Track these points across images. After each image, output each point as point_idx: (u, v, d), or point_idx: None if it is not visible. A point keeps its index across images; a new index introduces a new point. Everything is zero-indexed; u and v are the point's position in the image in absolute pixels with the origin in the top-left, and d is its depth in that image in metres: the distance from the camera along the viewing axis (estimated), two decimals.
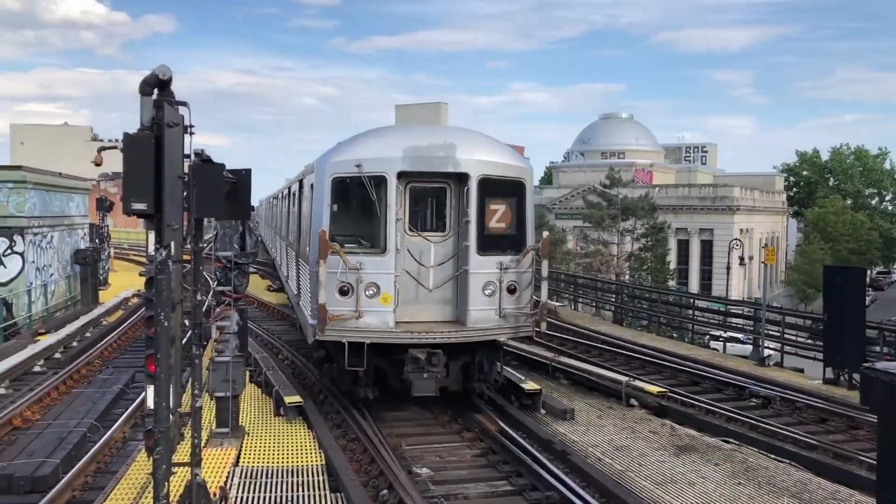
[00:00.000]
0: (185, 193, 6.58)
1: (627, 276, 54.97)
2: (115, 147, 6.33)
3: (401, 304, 12.13)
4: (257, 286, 31.54)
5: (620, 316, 29.30)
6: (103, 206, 36.42)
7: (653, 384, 14.82)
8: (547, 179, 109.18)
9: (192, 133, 6.51)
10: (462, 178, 12.33)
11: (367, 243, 12.24)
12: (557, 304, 28.79)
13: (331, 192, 12.05)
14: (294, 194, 17.76)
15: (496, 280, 12.34)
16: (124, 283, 32.87)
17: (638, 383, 14.57)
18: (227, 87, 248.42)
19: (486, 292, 12.34)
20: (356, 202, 12.46)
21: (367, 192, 11.97)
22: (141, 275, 30.73)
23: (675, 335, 26.75)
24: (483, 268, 12.30)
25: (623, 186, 61.93)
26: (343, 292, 11.82)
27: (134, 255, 51.54)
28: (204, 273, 8.60)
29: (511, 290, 12.47)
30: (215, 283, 13.60)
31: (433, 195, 12.75)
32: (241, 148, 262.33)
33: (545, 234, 13.64)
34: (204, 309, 9.09)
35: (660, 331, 26.54)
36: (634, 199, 60.31)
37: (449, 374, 12.39)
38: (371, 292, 11.89)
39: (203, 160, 7.20)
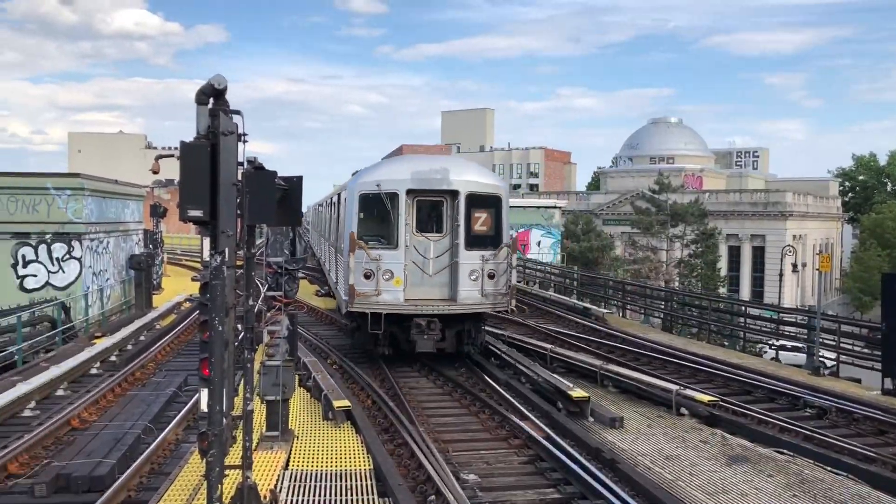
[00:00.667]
0: (238, 200, 6.69)
1: (677, 283, 54.19)
2: (171, 155, 6.46)
3: (409, 286, 16.40)
4: (306, 291, 31.85)
5: (670, 323, 28.89)
6: (157, 212, 37.16)
7: (703, 393, 14.57)
8: (594, 185, 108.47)
9: (245, 141, 6.61)
10: (454, 194, 16.62)
11: (385, 241, 16.52)
12: (605, 311, 28.49)
13: (358, 204, 16.52)
14: (334, 204, 22.64)
15: (479, 269, 16.52)
16: (177, 287, 33.50)
17: (688, 392, 14.35)
18: (276, 95, 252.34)
19: (472, 278, 16.50)
20: (377, 211, 16.66)
21: (384, 204, 16.44)
22: (193, 280, 31.33)
23: (726, 343, 26.26)
24: (470, 259, 16.51)
25: (672, 192, 61.10)
26: (367, 276, 16.16)
27: (186, 260, 52.52)
28: (256, 279, 8.72)
29: (491, 276, 16.59)
30: (265, 287, 13.80)
31: (433, 206, 16.89)
32: (291, 155, 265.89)
33: (513, 234, 17.58)
34: (255, 313, 9.22)
35: (710, 339, 26.09)
36: (684, 204, 59.44)
37: (445, 339, 16.71)
38: (387, 276, 16.21)
39: (256, 168, 7.31)
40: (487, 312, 17.26)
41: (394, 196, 16.42)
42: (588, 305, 29.39)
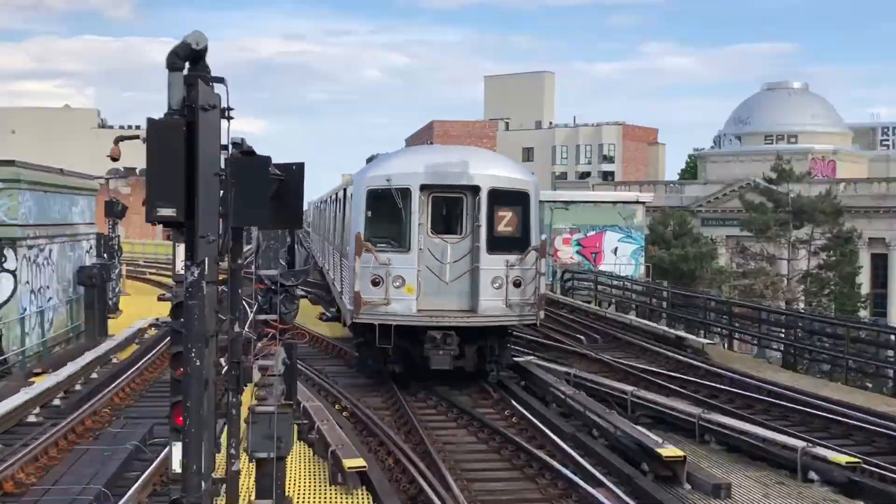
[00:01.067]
0: (221, 195, 6.77)
1: (802, 304, 53.56)
2: (135, 137, 6.58)
3: (423, 295, 18.77)
4: (308, 314, 32.06)
5: (793, 358, 28.54)
6: (114, 211, 37.72)
7: (840, 452, 14.38)
8: (690, 172, 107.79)
9: (230, 118, 6.71)
10: (474, 190, 19.00)
11: (395, 243, 19.03)
12: (705, 341, 28.32)
13: (365, 201, 19.08)
14: (340, 200, 25.54)
15: (503, 275, 18.78)
16: (139, 309, 33.89)
17: (819, 451, 14.18)
18: (270, 57, 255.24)
19: (495, 285, 18.79)
20: (386, 210, 19.11)
21: (395, 202, 18.82)
22: (161, 299, 31.45)
23: (869, 384, 25.84)
24: (492, 265, 18.82)
25: (796, 181, 60.48)
26: (375, 283, 18.60)
27: (152, 273, 53.16)
28: (243, 298, 8.82)
29: (517, 284, 18.87)
30: (255, 309, 13.94)
31: (451, 203, 19.42)
32: (289, 135, 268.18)
33: (543, 236, 20.61)
34: (242, 343, 9.32)
35: (848, 379, 25.70)
36: (811, 198, 58.86)
37: (465, 357, 18.96)
38: (398, 283, 18.59)
39: (244, 152, 7.41)
40: (513, 325, 19.92)
41: (405, 192, 18.88)
42: (682, 334, 29.16)
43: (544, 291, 19.49)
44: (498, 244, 18.93)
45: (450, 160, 19.53)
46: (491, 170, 19.45)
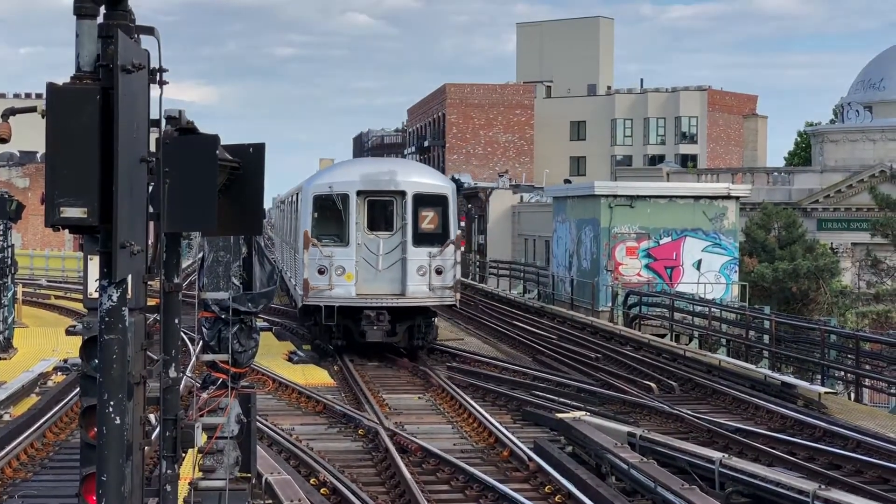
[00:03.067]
0: (150, 189, 6.76)
1: None
2: (32, 109, 6.57)
3: (361, 281, 31.99)
4: (272, 353, 32.42)
5: None
6: (6, 210, 37.78)
7: None
8: (801, 155, 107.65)
9: (163, 82, 6.70)
10: (402, 194, 32.49)
11: (338, 239, 32.33)
12: (822, 389, 28.30)
13: (312, 205, 32.64)
14: (294, 202, 39.07)
15: (427, 265, 32.03)
16: (41, 347, 33.91)
17: None
18: None
19: (420, 273, 32.04)
20: (329, 212, 32.53)
21: (336, 205, 32.06)
22: (70, 332, 31.45)
23: None
24: (417, 256, 32.10)
25: None
26: (320, 272, 31.62)
27: (58, 297, 53.17)
28: (182, 330, 8.81)
29: (438, 272, 32.16)
30: (198, 347, 13.99)
31: (383, 206, 32.91)
32: (246, 105, 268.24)
33: (459, 231, 34.15)
34: (181, 394, 9.32)
35: None
36: None
37: (397, 334, 32.43)
38: (339, 272, 31.63)
39: (182, 130, 7.40)
40: (436, 306, 33.38)
41: (345, 197, 32.13)
42: (791, 380, 29.11)
43: (460, 277, 34.50)
44: (422, 239, 32.36)
45: (381, 170, 33.76)
46: (415, 177, 33.37)
